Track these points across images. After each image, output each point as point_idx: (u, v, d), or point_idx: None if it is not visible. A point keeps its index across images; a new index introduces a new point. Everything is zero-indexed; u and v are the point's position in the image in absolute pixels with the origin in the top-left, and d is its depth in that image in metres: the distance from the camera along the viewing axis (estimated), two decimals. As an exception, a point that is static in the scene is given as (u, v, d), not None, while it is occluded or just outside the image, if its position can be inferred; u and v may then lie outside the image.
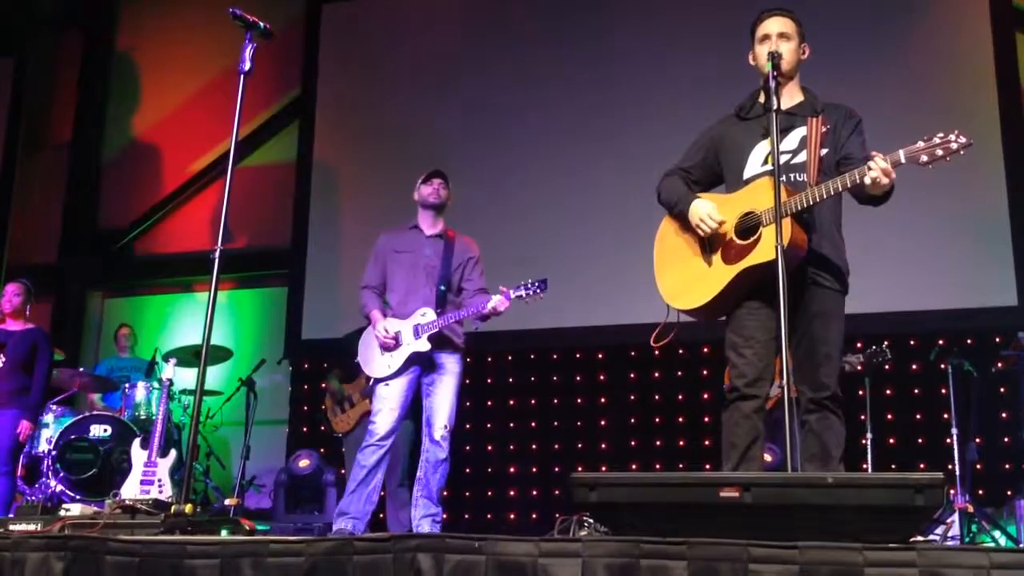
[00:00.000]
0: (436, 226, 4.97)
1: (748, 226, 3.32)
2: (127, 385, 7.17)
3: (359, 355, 4.93)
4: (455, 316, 4.72)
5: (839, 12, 7.03)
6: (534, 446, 7.45)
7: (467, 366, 4.91)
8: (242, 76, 3.61)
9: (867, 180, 3.12)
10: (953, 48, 7.05)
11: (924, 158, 3.10)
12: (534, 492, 7.32)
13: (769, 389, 3.38)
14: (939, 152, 3.07)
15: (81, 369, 7.53)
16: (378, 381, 4.77)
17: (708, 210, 3.40)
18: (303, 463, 6.73)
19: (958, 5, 7.19)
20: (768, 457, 5.16)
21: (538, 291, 4.70)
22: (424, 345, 4.70)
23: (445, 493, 4.83)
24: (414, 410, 5.20)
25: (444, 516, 4.78)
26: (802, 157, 3.38)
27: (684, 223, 3.51)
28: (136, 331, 8.24)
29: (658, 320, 3.55)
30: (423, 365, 4.77)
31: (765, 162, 3.38)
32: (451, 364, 4.78)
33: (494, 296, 4.68)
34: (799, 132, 3.41)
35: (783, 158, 3.37)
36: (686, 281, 3.49)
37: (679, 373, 7.12)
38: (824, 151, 3.39)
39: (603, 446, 7.27)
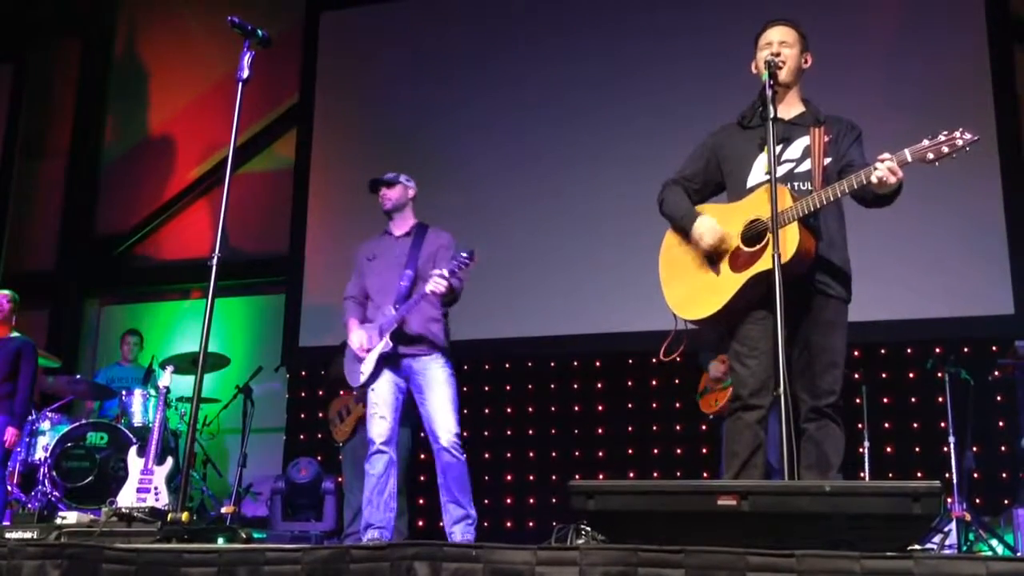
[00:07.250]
0: (403, 226, 4.94)
1: (754, 233, 3.31)
2: (124, 392, 7.16)
3: (345, 368, 4.87)
4: (404, 310, 4.63)
5: (836, 24, 7.03)
6: (531, 454, 7.45)
7: (455, 368, 4.77)
8: (240, 84, 3.62)
9: (873, 179, 3.12)
10: (949, 58, 7.06)
11: (931, 155, 3.10)
12: (531, 500, 7.32)
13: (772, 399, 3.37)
14: (945, 149, 3.08)
15: (78, 377, 7.51)
16: (363, 388, 4.73)
17: (710, 226, 3.40)
18: (303, 471, 6.72)
19: (954, 16, 7.20)
20: None
21: (466, 261, 4.55)
22: (386, 345, 4.64)
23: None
24: (409, 418, 5.18)
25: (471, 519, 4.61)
26: (806, 166, 3.38)
27: (688, 236, 3.50)
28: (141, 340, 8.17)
29: (656, 328, 3.55)
30: (397, 366, 4.69)
31: (768, 172, 3.38)
32: (435, 368, 4.67)
33: (431, 281, 4.54)
34: (802, 142, 3.42)
35: (787, 167, 3.38)
36: (694, 291, 3.46)
37: (677, 381, 7.09)
38: (827, 160, 3.39)
39: (600, 454, 7.27)
